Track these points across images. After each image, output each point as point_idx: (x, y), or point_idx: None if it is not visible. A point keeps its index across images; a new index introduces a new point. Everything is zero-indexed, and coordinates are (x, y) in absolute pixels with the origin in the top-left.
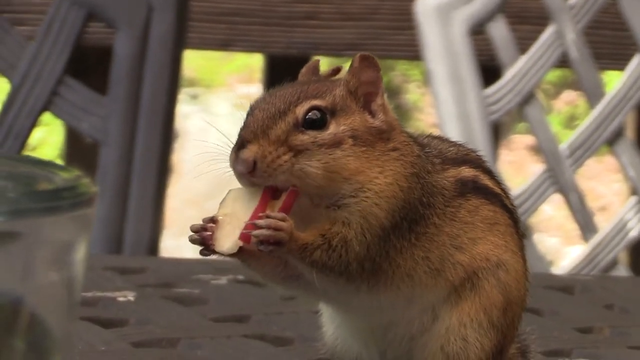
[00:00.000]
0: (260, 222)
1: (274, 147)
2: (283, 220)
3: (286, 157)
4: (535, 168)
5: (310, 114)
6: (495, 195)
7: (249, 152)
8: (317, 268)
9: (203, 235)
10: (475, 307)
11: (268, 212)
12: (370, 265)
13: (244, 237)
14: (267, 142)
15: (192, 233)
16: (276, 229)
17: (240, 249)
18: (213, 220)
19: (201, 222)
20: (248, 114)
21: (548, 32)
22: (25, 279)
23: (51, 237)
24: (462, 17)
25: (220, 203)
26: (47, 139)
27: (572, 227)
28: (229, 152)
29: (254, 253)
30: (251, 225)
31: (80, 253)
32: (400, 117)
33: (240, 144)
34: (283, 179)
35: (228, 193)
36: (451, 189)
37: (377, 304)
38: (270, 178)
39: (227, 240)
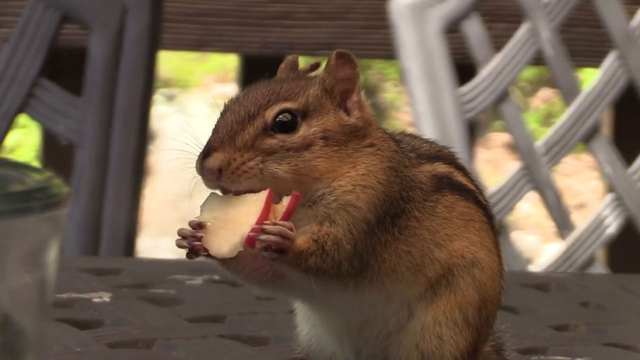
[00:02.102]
0: (271, 228)
1: (239, 154)
2: (291, 229)
3: (252, 163)
4: (513, 166)
5: (280, 116)
6: (469, 192)
7: (213, 161)
8: (312, 273)
9: (192, 243)
10: (451, 305)
11: (270, 218)
12: (358, 262)
13: (250, 240)
14: (233, 149)
15: (179, 237)
16: (284, 237)
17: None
18: (201, 225)
19: (188, 227)
20: (220, 115)
21: (522, 30)
22: None
23: (23, 239)
24: (437, 16)
25: (202, 207)
26: (24, 141)
27: (550, 225)
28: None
29: (236, 256)
30: (258, 229)
31: (52, 254)
32: (377, 116)
33: (206, 152)
34: (250, 183)
35: (210, 196)
36: (428, 183)
37: (359, 301)
38: (234, 184)
39: (225, 244)
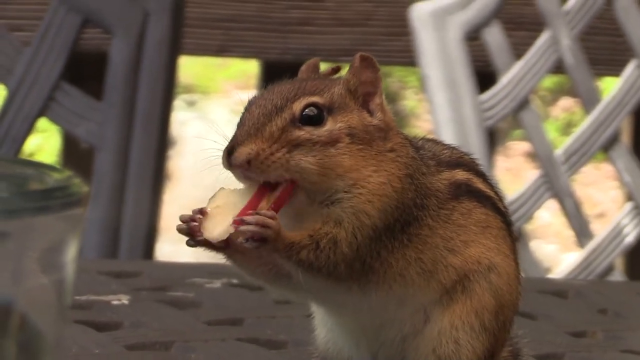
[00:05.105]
0: (249, 218)
1: (267, 144)
2: (272, 218)
3: (280, 154)
4: (533, 174)
5: (307, 110)
6: (487, 199)
7: (240, 155)
8: (304, 268)
9: (190, 226)
10: (467, 309)
11: (260, 206)
12: (360, 265)
13: (235, 228)
14: (260, 140)
15: (181, 223)
16: (263, 225)
17: (228, 243)
18: (202, 212)
19: (190, 213)
20: (245, 110)
21: (543, 38)
22: (16, 280)
23: (42, 238)
24: (458, 23)
25: (210, 198)
26: (45, 145)
27: (570, 234)
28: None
29: (242, 249)
30: (239, 221)
31: (70, 254)
32: (397, 124)
33: (233, 145)
34: (278, 174)
35: (219, 190)
36: (445, 191)
37: (368, 304)
38: (264, 174)
39: (217, 227)
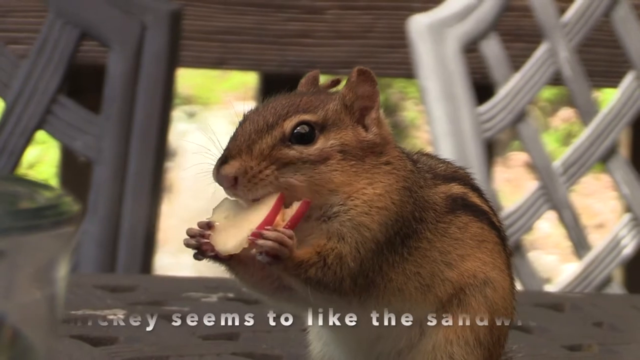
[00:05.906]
0: (269, 233)
1: (256, 162)
2: (290, 237)
3: (268, 172)
4: (531, 185)
5: (298, 128)
6: (483, 213)
7: (230, 168)
8: (312, 285)
9: (200, 241)
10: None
11: (276, 222)
12: (363, 280)
13: (251, 242)
14: (250, 157)
15: (188, 237)
16: (281, 243)
17: (232, 255)
18: (209, 225)
19: (197, 227)
20: (239, 124)
21: (541, 50)
22: (8, 297)
23: (33, 255)
24: (456, 35)
25: (215, 209)
26: (44, 157)
27: (569, 245)
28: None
29: (245, 262)
30: (258, 234)
31: (62, 270)
32: (397, 135)
33: (224, 159)
34: (265, 192)
35: (223, 200)
36: (442, 204)
37: (366, 317)
38: (251, 192)
39: (231, 239)
